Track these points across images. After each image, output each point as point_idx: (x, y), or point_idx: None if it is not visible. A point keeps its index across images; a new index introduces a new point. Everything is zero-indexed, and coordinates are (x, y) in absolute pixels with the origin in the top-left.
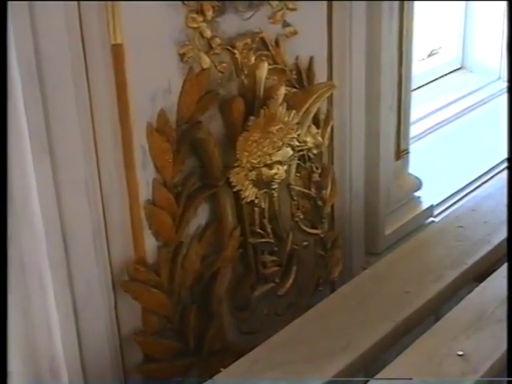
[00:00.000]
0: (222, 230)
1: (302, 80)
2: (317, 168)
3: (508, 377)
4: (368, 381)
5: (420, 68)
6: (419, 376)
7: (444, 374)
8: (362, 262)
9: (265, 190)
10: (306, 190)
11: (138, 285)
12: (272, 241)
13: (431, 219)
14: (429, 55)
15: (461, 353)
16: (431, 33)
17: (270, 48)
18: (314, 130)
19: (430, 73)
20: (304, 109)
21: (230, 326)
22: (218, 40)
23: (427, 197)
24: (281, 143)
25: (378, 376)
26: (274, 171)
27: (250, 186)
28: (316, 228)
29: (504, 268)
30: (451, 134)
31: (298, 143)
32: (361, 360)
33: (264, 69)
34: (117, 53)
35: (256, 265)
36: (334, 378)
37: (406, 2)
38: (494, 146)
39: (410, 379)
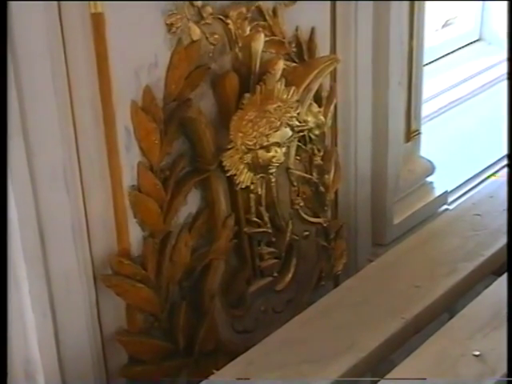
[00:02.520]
0: (214, 218)
1: (302, 53)
2: (319, 150)
3: (508, 377)
4: (378, 381)
5: (433, 40)
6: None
7: (459, 375)
8: (369, 253)
9: (261, 175)
10: (307, 175)
11: (121, 279)
12: (269, 230)
13: (445, 207)
14: (443, 26)
15: (477, 353)
16: (446, 1)
17: (267, 18)
18: (315, 108)
19: (444, 45)
20: (304, 85)
21: (223, 324)
22: (209, 9)
23: (440, 182)
24: (279, 123)
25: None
26: (271, 154)
27: (245, 170)
28: (318, 216)
29: None
30: (467, 112)
31: (297, 123)
32: (367, 361)
33: (260, 41)
34: (97, 23)
35: (252, 257)
36: (337, 379)
37: None
38: None
39: (424, 379)
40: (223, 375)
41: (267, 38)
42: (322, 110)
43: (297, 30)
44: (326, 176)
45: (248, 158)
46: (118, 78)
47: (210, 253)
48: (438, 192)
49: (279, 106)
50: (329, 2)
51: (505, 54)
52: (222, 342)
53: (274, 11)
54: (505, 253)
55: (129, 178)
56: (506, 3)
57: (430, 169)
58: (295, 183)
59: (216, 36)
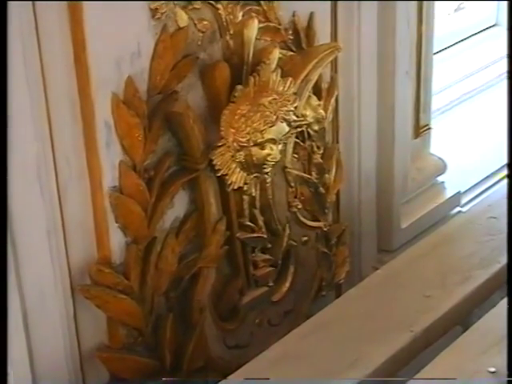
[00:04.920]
0: (203, 222)
1: (299, 41)
2: (318, 147)
3: (508, 377)
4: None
5: (444, 25)
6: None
7: None
8: (374, 260)
9: (255, 175)
10: (306, 175)
11: (101, 290)
12: (264, 236)
13: (458, 209)
14: (456, 10)
15: (493, 369)
16: None
17: (261, 2)
18: (314, 101)
19: (456, 31)
20: (302, 76)
21: (213, 338)
22: None
23: (453, 182)
24: (274, 118)
25: None
26: (266, 151)
27: (238, 169)
28: (318, 220)
29: None
30: (482, 106)
31: (295, 118)
32: (372, 378)
33: (253, 27)
34: (74, 8)
35: (245, 265)
36: None
37: None
38: None
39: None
40: None
41: (261, 25)
42: (321, 103)
43: (294, 15)
44: (327, 175)
45: (240, 156)
46: (97, 69)
47: (199, 260)
48: (449, 193)
49: (275, 99)
50: None
51: None
52: (213, 359)
53: None
54: None
55: (109, 178)
56: None
57: (442, 167)
58: (293, 184)
59: (205, 22)
